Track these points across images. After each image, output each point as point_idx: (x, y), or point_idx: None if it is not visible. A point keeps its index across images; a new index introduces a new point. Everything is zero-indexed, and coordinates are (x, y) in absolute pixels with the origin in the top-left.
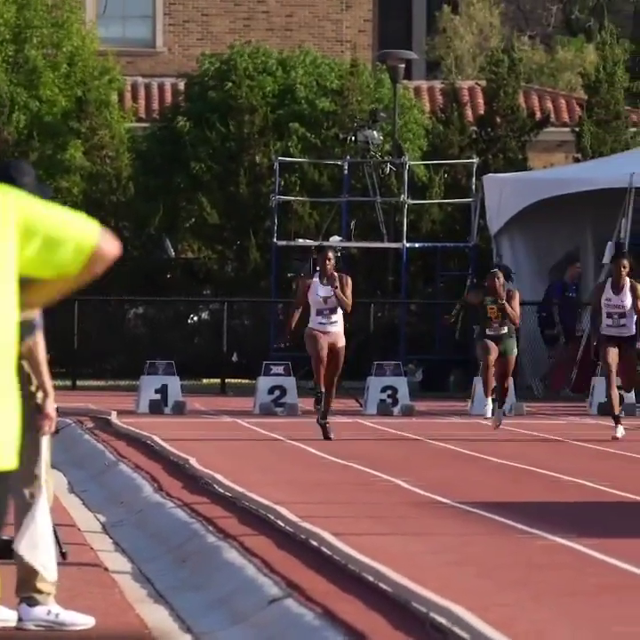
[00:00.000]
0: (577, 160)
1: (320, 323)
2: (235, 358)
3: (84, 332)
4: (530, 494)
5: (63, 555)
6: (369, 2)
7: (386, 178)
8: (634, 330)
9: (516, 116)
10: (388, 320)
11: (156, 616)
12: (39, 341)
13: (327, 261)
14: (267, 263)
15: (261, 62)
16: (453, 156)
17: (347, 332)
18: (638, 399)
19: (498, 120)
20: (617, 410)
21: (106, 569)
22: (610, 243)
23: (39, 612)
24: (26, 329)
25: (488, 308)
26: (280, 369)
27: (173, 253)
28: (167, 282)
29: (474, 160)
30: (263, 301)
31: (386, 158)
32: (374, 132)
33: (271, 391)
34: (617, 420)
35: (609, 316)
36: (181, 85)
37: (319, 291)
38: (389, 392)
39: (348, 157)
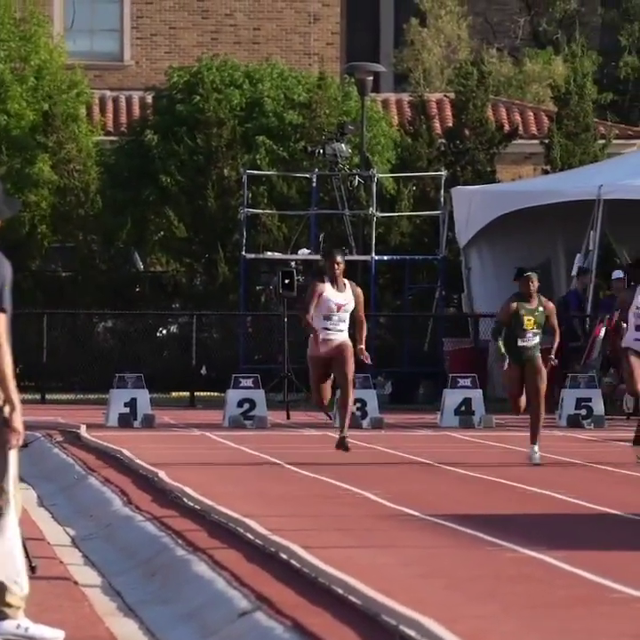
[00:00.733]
0: (546, 172)
1: (325, 328)
2: (204, 371)
3: (53, 346)
4: (499, 506)
5: (32, 569)
6: (336, 15)
7: (354, 191)
8: None
9: (485, 128)
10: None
11: (125, 629)
12: (5, 355)
13: (336, 266)
14: (235, 276)
15: (229, 75)
16: (422, 169)
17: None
18: (606, 411)
19: (466, 132)
20: None
21: (75, 582)
22: (579, 254)
23: (8, 626)
24: None
25: (524, 317)
26: (249, 382)
27: (142, 267)
28: (136, 295)
29: (442, 173)
30: (232, 314)
31: (354, 171)
32: (342, 145)
33: (240, 404)
34: None
35: (638, 328)
36: (149, 99)
37: (333, 297)
38: (358, 405)
39: (317, 170)
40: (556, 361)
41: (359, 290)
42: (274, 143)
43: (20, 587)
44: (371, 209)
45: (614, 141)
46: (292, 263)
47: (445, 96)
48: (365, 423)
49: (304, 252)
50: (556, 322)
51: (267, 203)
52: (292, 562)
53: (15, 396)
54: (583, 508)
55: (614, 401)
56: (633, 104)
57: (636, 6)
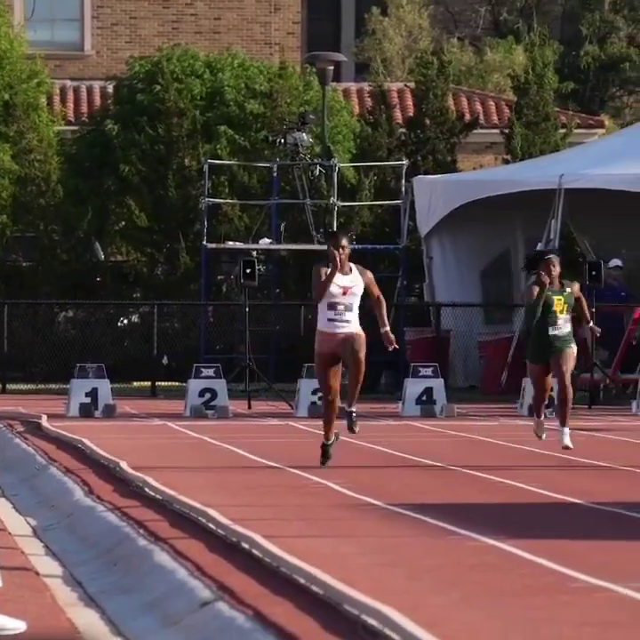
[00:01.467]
0: (506, 161)
1: (330, 320)
2: (165, 361)
3: (14, 336)
4: (460, 496)
5: None
6: (297, 4)
7: (315, 180)
8: None
9: (445, 117)
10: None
11: (86, 620)
12: None
13: (340, 250)
14: (196, 266)
15: (190, 65)
16: (382, 158)
17: (278, 335)
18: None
19: (427, 122)
20: None
21: (37, 573)
22: (540, 244)
23: None
24: None
25: (555, 299)
26: (211, 371)
27: (103, 256)
28: (97, 285)
29: (403, 162)
30: (193, 304)
31: (315, 161)
32: (303, 135)
33: (202, 394)
34: None
35: None
36: (110, 88)
37: (337, 280)
38: (320, 394)
39: (278, 160)
40: (599, 329)
41: (368, 272)
42: (235, 133)
43: None
44: (332, 198)
45: (575, 131)
46: (254, 253)
47: (406, 85)
48: None
49: (265, 242)
50: (585, 306)
51: (228, 192)
52: (254, 552)
53: None
54: (544, 496)
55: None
56: (594, 93)
57: None
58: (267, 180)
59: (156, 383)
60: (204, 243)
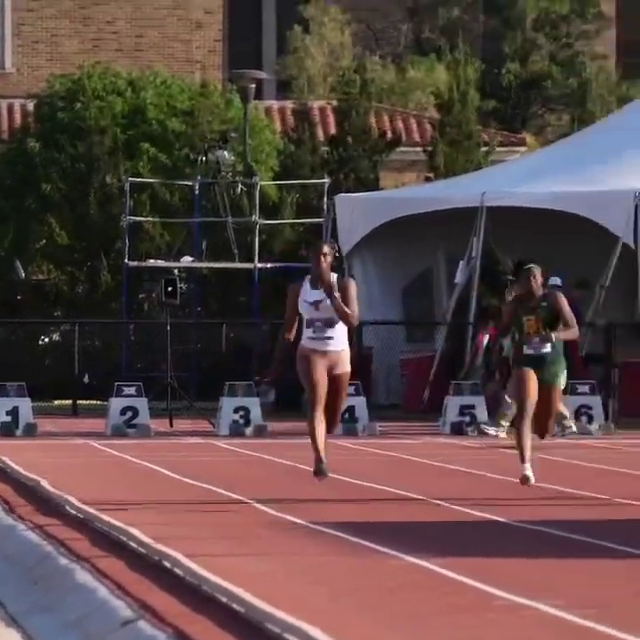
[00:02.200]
0: (429, 179)
1: (310, 338)
2: (86, 379)
3: None
4: (382, 514)
5: None
6: (219, 22)
7: (237, 198)
8: None
9: (368, 135)
10: (240, 340)
11: (8, 639)
12: None
13: (322, 259)
14: (118, 284)
15: (111, 83)
16: (305, 176)
17: (199, 353)
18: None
19: (349, 140)
20: None
21: None
22: (462, 262)
23: None
24: None
25: (524, 320)
26: (132, 390)
27: (24, 275)
28: (18, 303)
29: (325, 180)
30: (114, 322)
31: (237, 179)
32: (225, 153)
33: (123, 412)
34: None
35: None
36: (31, 106)
37: (309, 295)
38: (242, 413)
39: (199, 178)
40: (552, 336)
41: (350, 281)
42: (157, 151)
43: None
44: (254, 216)
45: (497, 149)
46: (175, 271)
47: (328, 103)
48: (249, 431)
49: (187, 260)
50: (568, 314)
51: (149, 210)
52: (176, 570)
53: None
54: (466, 514)
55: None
56: (516, 111)
57: (519, 14)
58: (188, 198)
59: (78, 402)
60: (126, 261)
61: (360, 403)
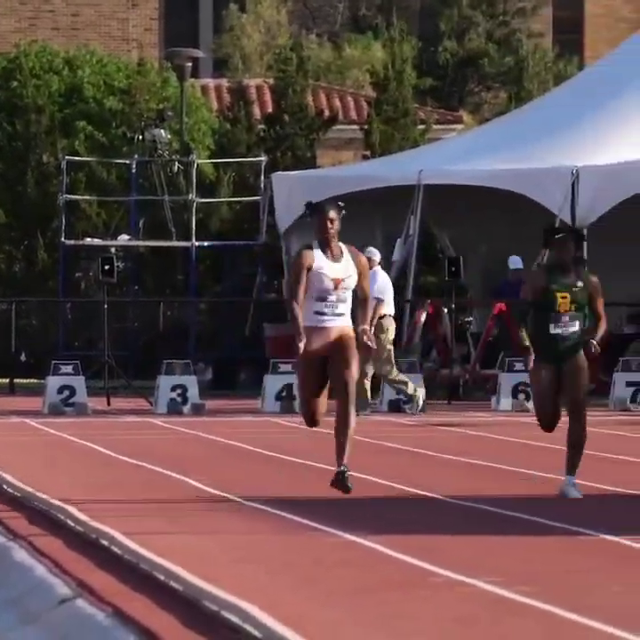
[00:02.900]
0: (366, 157)
1: (319, 313)
2: (23, 358)
3: None
4: (319, 491)
5: None
6: (155, 0)
7: (174, 176)
8: None
9: (304, 113)
10: (177, 319)
11: None
12: None
13: (328, 225)
14: (55, 262)
15: (48, 61)
16: (241, 155)
17: (137, 332)
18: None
19: (286, 118)
20: None
21: None
22: (399, 240)
23: None
24: None
25: (557, 294)
26: (69, 368)
27: None
28: None
29: (262, 158)
30: (51, 301)
31: (174, 157)
32: (162, 131)
33: (60, 391)
34: None
35: None
36: None
37: (328, 268)
38: (179, 391)
39: (136, 156)
40: (598, 347)
41: (362, 257)
42: (94, 129)
43: None
44: (190, 195)
45: (434, 126)
46: (112, 249)
47: (265, 82)
48: (186, 409)
49: (124, 238)
50: (601, 303)
51: (86, 189)
52: (113, 548)
53: None
54: (402, 491)
55: (436, 385)
56: (452, 89)
57: None
58: (125, 177)
59: (15, 380)
60: (63, 239)
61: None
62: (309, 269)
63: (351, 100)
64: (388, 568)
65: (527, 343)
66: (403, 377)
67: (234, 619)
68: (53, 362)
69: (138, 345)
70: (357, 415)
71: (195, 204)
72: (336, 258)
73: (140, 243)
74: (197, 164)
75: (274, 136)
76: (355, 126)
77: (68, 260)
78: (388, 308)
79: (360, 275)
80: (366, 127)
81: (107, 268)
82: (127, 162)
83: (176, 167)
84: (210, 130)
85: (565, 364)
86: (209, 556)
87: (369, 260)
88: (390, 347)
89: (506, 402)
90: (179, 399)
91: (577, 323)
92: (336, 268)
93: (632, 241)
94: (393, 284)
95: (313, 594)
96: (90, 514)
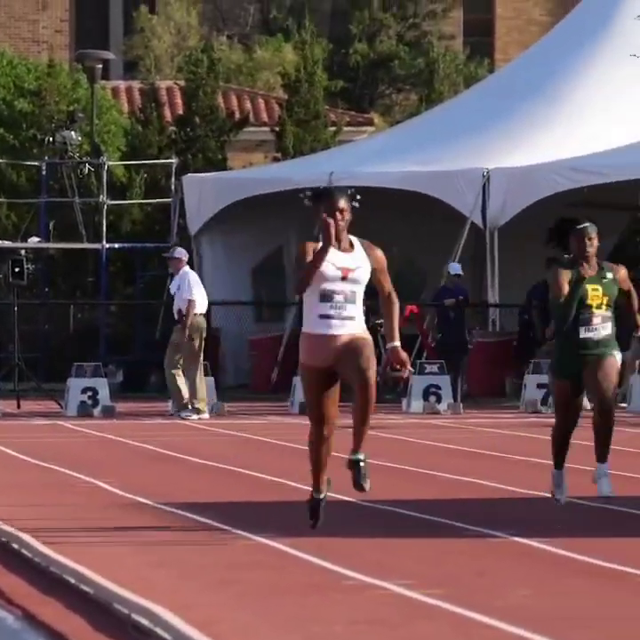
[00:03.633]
0: (277, 159)
1: (324, 317)
2: None
3: None
4: (231, 494)
5: None
6: (65, 2)
7: (85, 178)
8: None
9: (215, 115)
10: (87, 321)
11: None
12: None
13: (338, 215)
14: None
15: None
16: (153, 157)
17: (47, 334)
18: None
19: (197, 120)
20: None
21: None
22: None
23: None
24: None
25: (588, 288)
26: None
27: None
28: None
29: (173, 160)
30: None
31: (84, 159)
32: (72, 133)
33: None
34: None
35: None
36: None
37: (334, 260)
38: (90, 393)
39: (46, 158)
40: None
41: (378, 251)
42: (3, 131)
43: None
44: (101, 197)
45: (345, 129)
46: (22, 251)
47: (176, 83)
48: (97, 411)
49: (34, 241)
50: (636, 301)
51: None
52: (24, 551)
53: None
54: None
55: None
56: (363, 91)
57: None
58: (35, 179)
59: None
60: None
61: (208, 383)
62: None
63: (262, 102)
64: (301, 571)
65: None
66: (197, 385)
67: (145, 621)
68: None
69: (48, 347)
70: (180, 416)
71: (105, 206)
72: (345, 250)
73: (51, 245)
74: (108, 166)
75: (185, 138)
76: (266, 128)
77: None
78: (201, 307)
79: (376, 271)
80: (277, 129)
81: (17, 270)
82: (37, 164)
83: (86, 169)
84: (121, 131)
85: (589, 365)
86: (120, 559)
87: (178, 260)
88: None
89: (417, 404)
90: (89, 402)
91: (609, 325)
92: (344, 258)
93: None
94: None
95: (225, 596)
96: (0, 517)
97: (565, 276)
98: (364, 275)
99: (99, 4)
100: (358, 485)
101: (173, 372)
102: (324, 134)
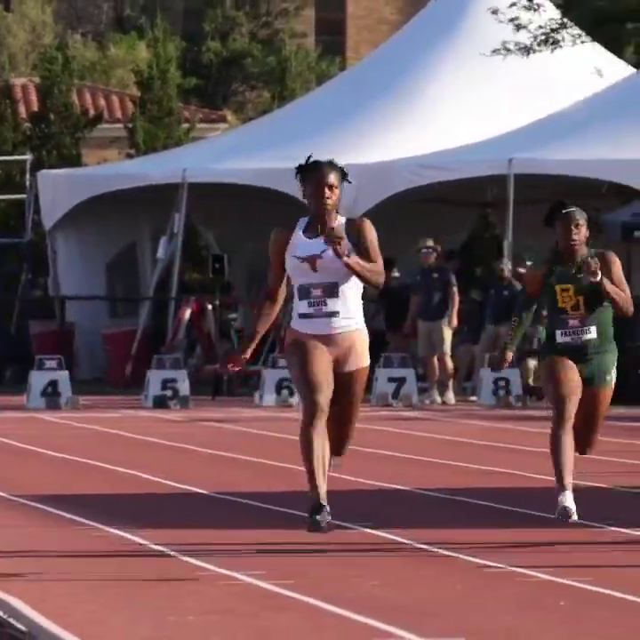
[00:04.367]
0: (130, 156)
1: (304, 316)
2: None
3: None
4: (86, 487)
5: None
6: None
7: None
8: None
9: (70, 112)
10: None
11: None
12: None
13: (325, 192)
14: None
15: None
16: (7, 153)
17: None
18: (191, 391)
19: (52, 117)
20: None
21: None
22: (163, 238)
23: None
24: None
25: (558, 289)
26: None
27: None
28: None
29: (27, 156)
30: None
31: None
32: None
33: None
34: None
35: None
36: None
37: (300, 248)
38: None
39: None
40: (595, 263)
41: (364, 222)
42: None
43: None
44: None
45: (199, 125)
46: None
47: (30, 80)
48: None
49: None
50: (627, 289)
51: None
52: None
53: None
54: (168, 486)
55: (200, 382)
56: (216, 89)
57: None
58: None
59: None
60: None
61: (63, 376)
62: (284, 258)
63: (116, 100)
64: (155, 562)
65: (509, 341)
66: None
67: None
68: None
69: None
70: None
71: None
72: (318, 234)
73: None
74: None
75: (40, 134)
76: (119, 125)
77: None
78: None
79: (361, 240)
80: (130, 126)
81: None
82: None
83: None
84: None
85: (587, 369)
86: None
87: None
88: None
89: (269, 398)
90: None
91: (593, 328)
92: (311, 244)
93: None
94: (158, 281)
95: (80, 587)
96: None
97: (537, 273)
98: (336, 260)
99: None
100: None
101: None
102: (178, 131)
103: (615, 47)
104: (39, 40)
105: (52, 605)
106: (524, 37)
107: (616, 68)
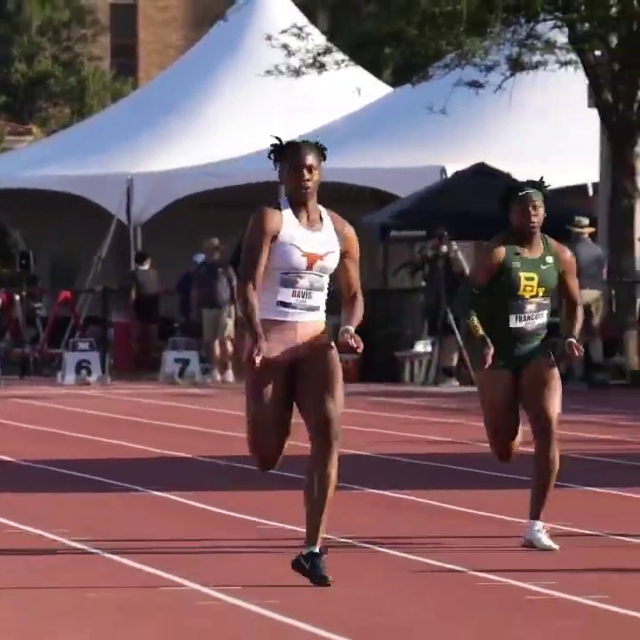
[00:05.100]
0: None
1: (283, 304)
2: None
3: None
4: None
5: None
6: None
7: None
8: None
9: None
10: None
11: None
12: None
13: (305, 174)
14: None
15: None
16: None
17: None
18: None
19: None
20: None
21: None
22: None
23: None
24: None
25: (520, 275)
26: None
27: None
28: None
29: None
30: None
31: None
32: None
33: None
34: None
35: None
36: None
37: (301, 239)
38: None
39: None
40: (582, 349)
41: (349, 228)
42: None
43: None
44: None
45: (8, 138)
46: None
47: None
48: None
49: None
50: (575, 284)
51: None
52: None
53: None
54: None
55: (9, 363)
56: (23, 106)
57: (25, 20)
58: None
59: None
60: None
61: None
62: (275, 238)
63: None
64: None
65: (481, 332)
66: None
67: None
68: None
69: None
70: None
71: None
72: (313, 225)
73: None
74: None
75: None
76: None
77: None
78: None
79: (347, 254)
80: None
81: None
82: None
83: None
84: None
85: (528, 369)
86: None
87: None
88: None
89: (70, 377)
90: None
91: (544, 313)
92: (313, 240)
93: (182, 237)
94: None
95: None
96: None
97: (495, 254)
98: (333, 263)
99: None
100: (319, 580)
101: None
102: None
103: (375, 69)
104: None
105: None
106: (294, 61)
107: (377, 90)
